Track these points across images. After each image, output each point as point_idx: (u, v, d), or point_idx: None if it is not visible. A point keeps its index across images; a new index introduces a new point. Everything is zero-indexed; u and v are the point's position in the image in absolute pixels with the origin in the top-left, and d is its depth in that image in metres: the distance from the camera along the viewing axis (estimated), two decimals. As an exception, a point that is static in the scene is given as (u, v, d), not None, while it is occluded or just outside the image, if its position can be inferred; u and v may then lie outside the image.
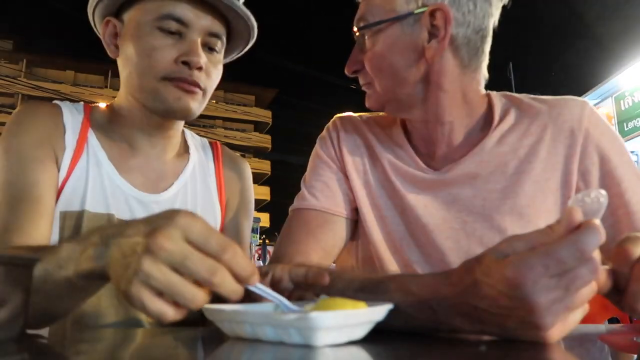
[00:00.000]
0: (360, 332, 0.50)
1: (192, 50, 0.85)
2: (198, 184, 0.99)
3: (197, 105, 0.88)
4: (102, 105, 0.98)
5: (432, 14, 0.78)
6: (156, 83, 0.85)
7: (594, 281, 0.47)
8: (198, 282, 0.47)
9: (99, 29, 0.94)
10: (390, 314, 0.51)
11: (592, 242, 0.45)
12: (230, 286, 0.48)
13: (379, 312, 0.51)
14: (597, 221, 0.48)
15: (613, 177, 0.79)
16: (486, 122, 0.87)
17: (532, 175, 0.82)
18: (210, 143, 1.09)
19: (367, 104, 0.88)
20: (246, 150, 29.86)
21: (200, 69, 0.86)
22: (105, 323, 0.84)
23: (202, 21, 0.87)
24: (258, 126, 34.44)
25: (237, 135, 31.45)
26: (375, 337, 0.52)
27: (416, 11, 0.79)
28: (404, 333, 0.57)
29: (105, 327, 0.84)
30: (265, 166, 33.03)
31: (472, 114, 0.86)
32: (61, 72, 28.79)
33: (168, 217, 0.48)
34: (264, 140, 33.86)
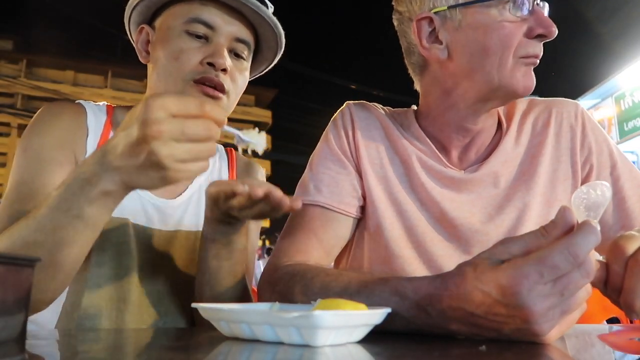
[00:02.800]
0: (358, 335, 0.50)
1: (217, 52, 0.86)
2: None
3: (222, 110, 0.88)
4: (104, 102, 0.98)
5: None
6: (182, 85, 0.86)
7: (589, 283, 0.48)
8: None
9: (133, 37, 0.97)
10: (388, 317, 0.52)
11: (585, 246, 0.46)
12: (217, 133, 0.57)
13: (378, 315, 0.51)
14: (594, 221, 0.48)
15: (608, 165, 0.88)
16: (498, 126, 0.92)
17: (542, 168, 0.88)
18: (225, 149, 1.10)
19: (533, 83, 0.79)
20: (246, 151, 29.81)
21: (225, 70, 0.87)
22: (107, 324, 0.84)
23: (228, 26, 0.88)
24: (258, 126, 34.25)
25: (237, 135, 31.35)
26: (374, 337, 0.52)
27: None
28: (403, 333, 0.57)
29: (106, 328, 0.84)
30: (264, 166, 32.93)
31: (495, 116, 0.91)
32: (61, 72, 28.77)
33: (142, 109, 0.53)
34: (264, 140, 33.79)
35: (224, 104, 0.89)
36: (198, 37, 0.87)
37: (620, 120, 7.45)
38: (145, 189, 0.61)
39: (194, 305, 0.56)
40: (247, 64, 0.94)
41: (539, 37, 0.77)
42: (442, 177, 0.89)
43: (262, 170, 1.12)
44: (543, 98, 0.97)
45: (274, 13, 0.92)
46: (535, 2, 0.78)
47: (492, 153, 0.89)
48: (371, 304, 0.55)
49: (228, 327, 0.53)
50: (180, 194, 0.96)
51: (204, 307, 0.54)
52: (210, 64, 0.86)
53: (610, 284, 0.54)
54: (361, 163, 0.90)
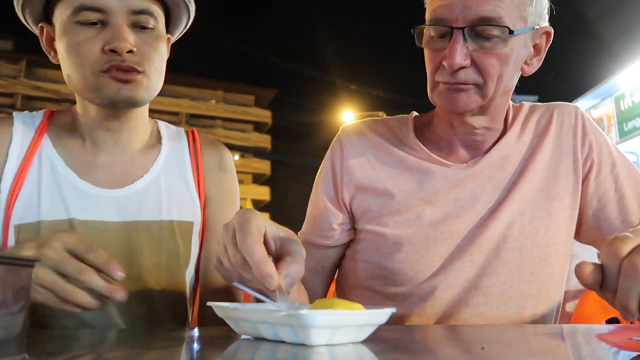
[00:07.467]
0: (359, 335, 0.50)
1: (116, 35, 0.80)
2: (173, 175, 0.95)
3: (143, 91, 0.83)
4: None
5: (541, 33, 0.85)
6: (93, 79, 0.81)
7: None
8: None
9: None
10: None
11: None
12: (97, 283, 0.60)
13: (376, 314, 0.51)
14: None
15: (609, 163, 0.91)
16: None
17: (541, 163, 0.91)
18: (186, 131, 1.04)
19: (462, 105, 0.82)
20: (246, 150, 29.84)
21: (130, 52, 0.81)
22: (108, 324, 0.84)
23: (120, 2, 0.81)
24: (258, 126, 34.43)
25: (236, 135, 31.43)
26: (374, 337, 0.52)
27: (536, 27, 0.83)
28: (403, 333, 0.57)
29: (108, 327, 0.84)
30: (264, 166, 33.03)
31: (500, 118, 0.93)
32: (61, 72, 28.66)
33: (54, 234, 0.61)
34: (264, 140, 33.87)
35: (144, 84, 0.83)
36: (92, 24, 0.81)
37: (620, 120, 7.44)
38: None
39: (209, 303, 0.56)
40: (158, 32, 0.86)
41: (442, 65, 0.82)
42: (445, 177, 0.91)
43: (228, 153, 1.05)
44: (540, 103, 1.00)
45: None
46: (438, 35, 0.82)
47: (494, 146, 0.92)
48: None
49: (237, 325, 0.54)
50: (134, 182, 0.91)
51: (214, 305, 0.55)
52: (112, 50, 0.80)
53: (605, 286, 0.54)
54: (350, 192, 0.94)
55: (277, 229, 0.62)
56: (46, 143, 0.88)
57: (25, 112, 0.92)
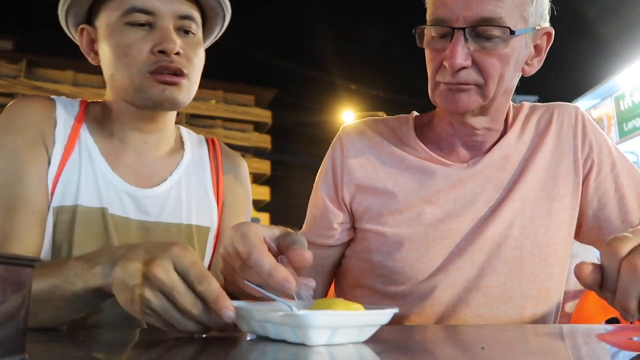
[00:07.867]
0: (360, 335, 0.50)
1: (165, 37, 0.83)
2: (193, 180, 0.98)
3: (185, 93, 0.87)
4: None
5: (542, 33, 0.85)
6: (139, 79, 0.84)
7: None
8: None
9: (77, 38, 0.94)
10: None
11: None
12: (210, 322, 0.54)
13: (376, 315, 0.51)
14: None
15: (609, 163, 0.92)
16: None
17: (542, 163, 0.92)
18: (207, 139, 1.07)
19: (463, 106, 0.83)
20: (246, 150, 29.81)
21: (178, 54, 0.84)
22: (108, 323, 0.84)
23: (168, 6, 0.85)
24: (258, 126, 34.40)
25: (236, 135, 31.39)
26: (374, 337, 0.52)
27: (537, 27, 0.84)
28: (403, 333, 0.57)
29: (107, 327, 0.84)
30: (264, 166, 33.00)
31: (500, 118, 0.93)
32: (61, 72, 28.68)
33: (164, 248, 0.56)
34: (264, 140, 33.84)
35: (186, 87, 0.87)
36: (140, 25, 0.84)
37: (620, 120, 7.44)
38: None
39: None
40: (198, 38, 0.91)
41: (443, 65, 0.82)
42: (445, 176, 0.91)
43: (244, 162, 1.09)
44: (540, 103, 1.00)
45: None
46: (439, 35, 0.83)
47: (494, 146, 0.92)
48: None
49: (241, 324, 0.54)
50: (159, 184, 0.93)
51: None
52: (161, 51, 0.83)
53: (605, 286, 0.54)
54: (350, 191, 0.94)
55: (272, 229, 0.62)
56: (84, 132, 0.90)
57: (63, 97, 0.94)
